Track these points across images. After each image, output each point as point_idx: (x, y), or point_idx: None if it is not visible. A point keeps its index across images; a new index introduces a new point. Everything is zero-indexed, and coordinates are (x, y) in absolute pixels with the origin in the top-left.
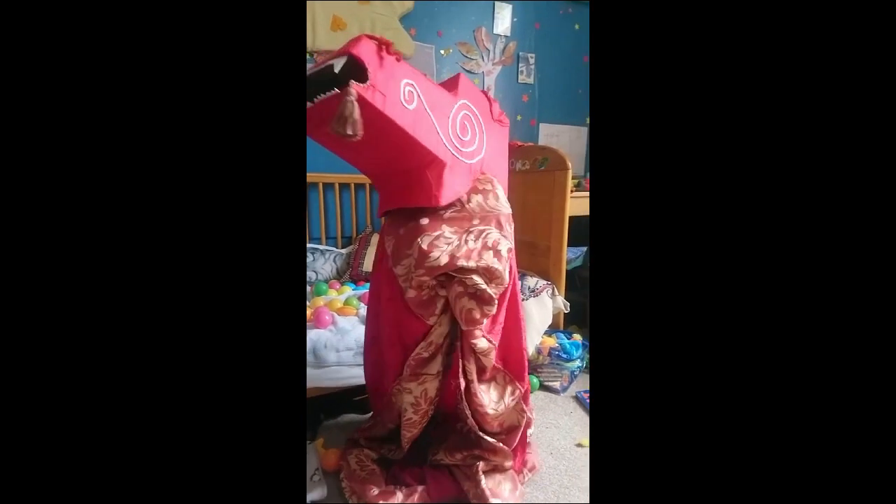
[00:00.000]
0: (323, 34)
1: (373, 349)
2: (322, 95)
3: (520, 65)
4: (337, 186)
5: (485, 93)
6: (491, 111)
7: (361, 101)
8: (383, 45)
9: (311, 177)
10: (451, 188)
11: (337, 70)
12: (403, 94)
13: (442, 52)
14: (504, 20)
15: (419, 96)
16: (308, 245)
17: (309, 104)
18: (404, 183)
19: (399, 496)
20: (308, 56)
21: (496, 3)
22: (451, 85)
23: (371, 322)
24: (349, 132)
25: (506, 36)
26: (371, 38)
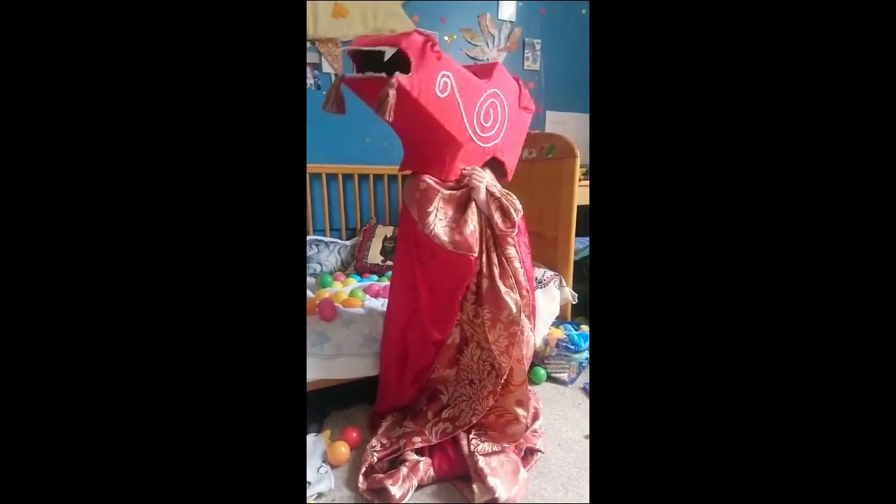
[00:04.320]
0: (325, 22)
1: (409, 327)
2: (371, 73)
3: (525, 51)
4: (340, 178)
5: (517, 79)
6: (519, 98)
7: (401, 89)
8: (429, 43)
9: (314, 168)
10: (458, 169)
11: (386, 58)
12: (438, 85)
13: (446, 38)
14: (509, 5)
15: (452, 86)
16: (312, 237)
17: (360, 74)
18: (425, 154)
19: (404, 470)
20: (309, 45)
21: None
22: (486, 71)
23: (402, 302)
24: (385, 117)
25: (511, 21)
26: (420, 34)
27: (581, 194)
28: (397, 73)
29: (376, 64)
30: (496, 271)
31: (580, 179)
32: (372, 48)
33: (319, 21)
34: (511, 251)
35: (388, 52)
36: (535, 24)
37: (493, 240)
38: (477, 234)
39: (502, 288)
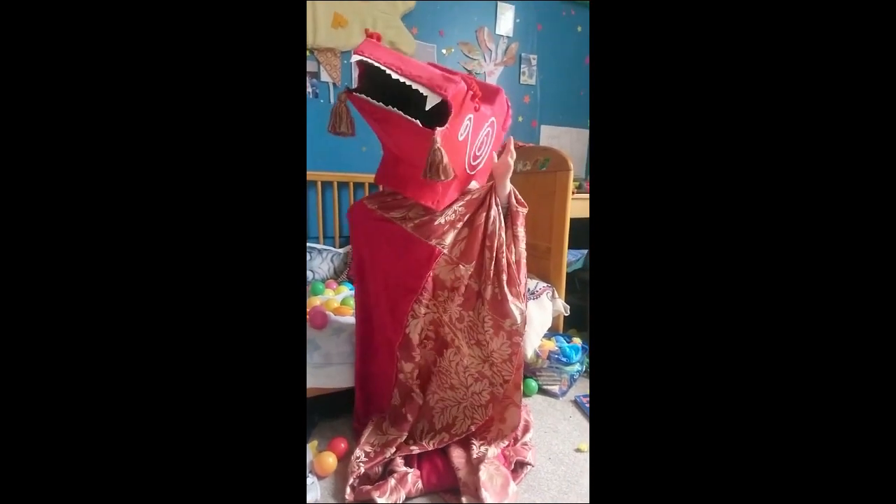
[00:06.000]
0: (324, 31)
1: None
2: (398, 111)
3: (521, 66)
4: (335, 185)
5: (507, 102)
6: (504, 121)
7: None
8: (470, 93)
9: (309, 175)
10: (449, 197)
11: (428, 108)
12: (462, 130)
13: (444, 51)
14: (506, 21)
15: (470, 130)
16: (305, 244)
17: (381, 105)
18: (417, 178)
19: (392, 482)
20: (308, 53)
21: (498, 3)
22: (490, 95)
23: (363, 300)
24: (443, 177)
25: (508, 37)
26: (468, 84)
27: (574, 207)
28: (438, 130)
29: (397, 92)
30: (504, 277)
31: (573, 192)
32: (410, 81)
33: (319, 30)
34: (521, 231)
35: (432, 101)
36: (531, 40)
37: (502, 237)
38: (452, 232)
39: (509, 296)
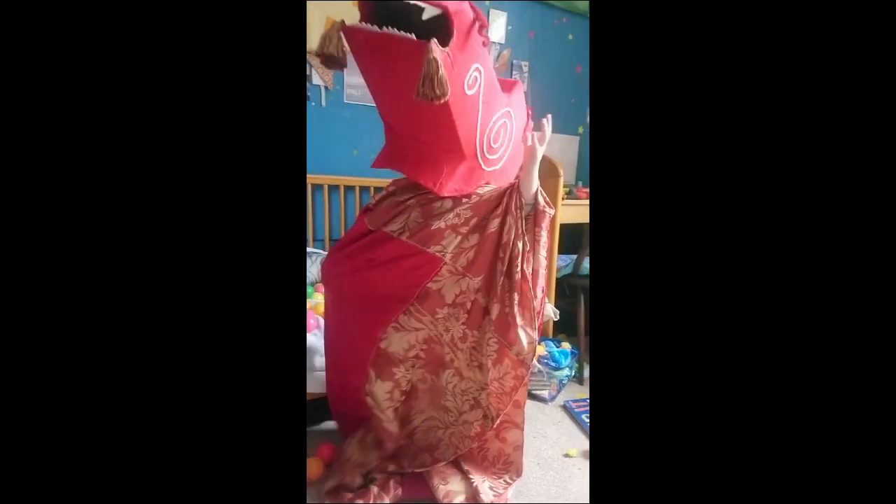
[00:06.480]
0: (317, 35)
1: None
2: (393, 30)
3: (513, 72)
4: (326, 188)
5: (529, 111)
6: (524, 130)
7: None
8: (479, 23)
9: None
10: (455, 185)
11: (424, 17)
12: (469, 79)
13: None
14: (498, 27)
15: (480, 86)
16: None
17: (375, 27)
18: (418, 154)
19: (374, 490)
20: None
21: (491, 10)
22: (506, 86)
23: (343, 312)
24: (438, 93)
25: (500, 43)
26: (474, 9)
27: (564, 213)
28: (434, 40)
29: (399, 22)
30: (515, 297)
31: (563, 199)
32: None
33: (312, 35)
34: (544, 235)
35: (429, 12)
36: (523, 47)
37: (520, 247)
38: (455, 238)
39: (519, 320)
